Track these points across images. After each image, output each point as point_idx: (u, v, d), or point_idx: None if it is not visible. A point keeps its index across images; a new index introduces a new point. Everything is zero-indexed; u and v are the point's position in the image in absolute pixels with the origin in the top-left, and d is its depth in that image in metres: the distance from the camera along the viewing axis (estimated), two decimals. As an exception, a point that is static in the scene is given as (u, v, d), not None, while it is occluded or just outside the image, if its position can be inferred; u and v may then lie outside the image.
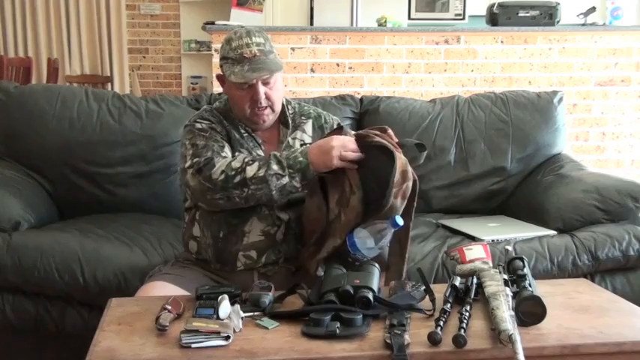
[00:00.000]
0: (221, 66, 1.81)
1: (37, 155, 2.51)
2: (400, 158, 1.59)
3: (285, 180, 1.66)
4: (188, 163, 1.74)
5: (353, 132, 1.73)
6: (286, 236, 1.80)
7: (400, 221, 1.56)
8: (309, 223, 1.74)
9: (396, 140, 1.67)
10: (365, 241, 1.58)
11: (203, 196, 1.72)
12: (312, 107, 1.99)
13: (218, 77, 1.87)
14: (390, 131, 1.69)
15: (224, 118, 1.86)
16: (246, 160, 1.69)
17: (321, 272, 1.63)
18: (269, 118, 1.83)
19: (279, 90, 1.83)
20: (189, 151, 1.77)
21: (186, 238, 1.89)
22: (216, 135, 1.80)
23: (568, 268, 2.15)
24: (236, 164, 1.68)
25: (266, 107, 1.80)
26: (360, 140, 1.66)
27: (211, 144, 1.76)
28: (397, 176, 1.57)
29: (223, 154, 1.75)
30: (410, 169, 1.61)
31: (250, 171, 1.66)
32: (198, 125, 1.82)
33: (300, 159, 1.66)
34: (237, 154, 1.77)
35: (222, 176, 1.67)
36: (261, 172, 1.65)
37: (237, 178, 1.66)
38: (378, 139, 1.64)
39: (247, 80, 1.74)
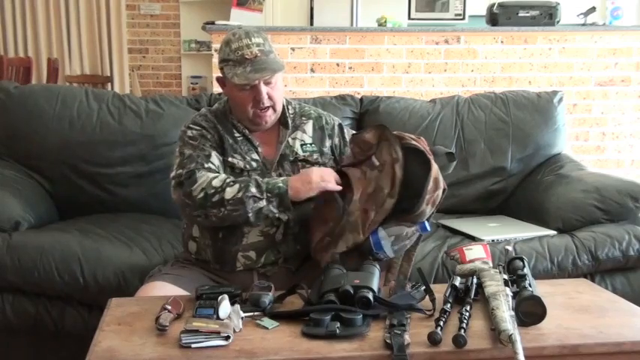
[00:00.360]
0: (221, 68, 1.81)
1: (37, 155, 2.51)
2: (434, 164, 1.62)
3: (263, 204, 1.68)
4: (173, 174, 1.77)
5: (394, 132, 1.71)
6: (285, 236, 1.80)
7: (429, 227, 1.59)
8: (321, 212, 1.73)
9: (429, 147, 1.69)
10: (390, 242, 1.59)
11: (182, 211, 1.76)
12: (312, 108, 1.99)
13: (218, 80, 1.87)
14: (423, 139, 1.71)
15: (220, 122, 1.86)
16: (227, 180, 1.71)
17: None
18: (271, 118, 1.83)
19: (280, 89, 1.83)
20: (176, 161, 1.80)
21: (186, 238, 1.89)
22: (205, 143, 1.80)
23: (568, 268, 2.15)
24: (217, 183, 1.70)
25: (268, 107, 1.80)
26: (396, 138, 1.67)
27: (196, 154, 1.77)
28: (431, 184, 1.60)
29: (208, 165, 1.76)
30: (441, 178, 1.64)
31: (230, 192, 1.68)
32: (188, 132, 1.83)
33: (280, 185, 1.69)
34: (220, 173, 1.76)
35: (202, 194, 1.69)
36: (240, 194, 1.67)
37: (216, 198, 1.68)
38: (414, 142, 1.66)
39: (250, 81, 1.74)
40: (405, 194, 1.61)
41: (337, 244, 1.65)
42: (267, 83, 1.77)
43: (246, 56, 1.74)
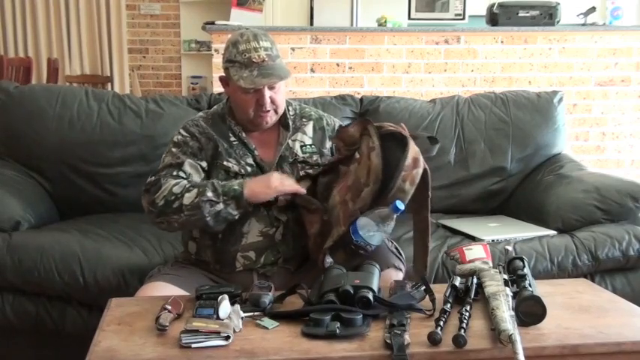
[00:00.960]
0: (226, 68, 1.80)
1: (37, 155, 2.51)
2: (413, 146, 1.63)
3: (220, 207, 1.70)
4: (147, 181, 1.80)
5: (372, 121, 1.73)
6: (285, 237, 1.80)
7: (401, 206, 1.56)
8: (307, 219, 1.75)
9: (409, 133, 1.69)
10: (367, 229, 1.57)
11: (149, 217, 1.79)
12: (312, 109, 1.99)
13: (221, 79, 1.86)
14: (403, 125, 1.72)
15: (214, 126, 1.86)
16: (187, 186, 1.73)
17: (328, 263, 1.63)
18: (272, 119, 1.84)
19: (283, 93, 1.84)
20: (159, 167, 1.83)
21: (186, 238, 1.90)
22: (186, 150, 1.82)
23: (568, 268, 2.15)
24: (177, 189, 1.72)
25: (270, 110, 1.80)
26: (375, 129, 1.68)
27: (170, 162, 1.80)
28: (409, 160, 1.60)
29: (176, 173, 1.78)
30: (422, 159, 1.64)
31: (187, 198, 1.71)
32: (175, 138, 1.86)
33: (235, 187, 1.72)
34: (180, 180, 1.77)
35: (163, 202, 1.72)
36: (196, 199, 1.70)
37: (176, 204, 1.71)
38: (392, 128, 1.68)
39: (256, 86, 1.74)
40: (386, 180, 1.61)
41: (326, 241, 1.66)
42: (271, 87, 1.78)
43: (254, 60, 1.74)
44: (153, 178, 1.79)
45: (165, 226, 1.77)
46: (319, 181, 1.80)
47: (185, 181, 1.76)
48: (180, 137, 1.85)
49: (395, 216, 1.58)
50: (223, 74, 1.84)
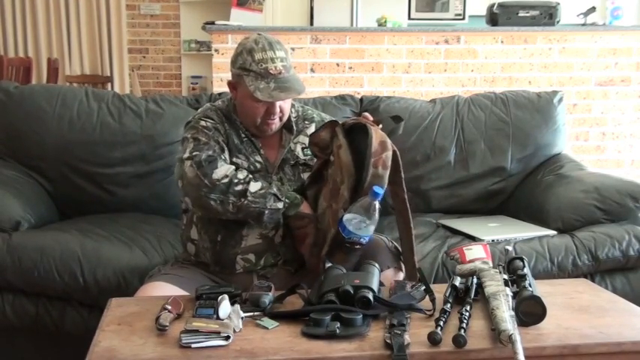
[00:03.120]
0: (239, 75, 1.77)
1: (37, 155, 2.51)
2: (377, 130, 1.63)
3: (280, 205, 1.71)
4: (187, 155, 1.73)
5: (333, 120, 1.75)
6: (285, 239, 1.79)
7: (379, 190, 1.55)
8: (300, 235, 1.76)
9: (372, 119, 1.70)
10: (354, 222, 1.56)
11: (197, 191, 1.70)
12: (315, 111, 1.99)
13: (230, 84, 1.84)
14: (365, 114, 1.73)
15: (226, 120, 1.85)
16: (249, 176, 1.73)
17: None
18: (277, 127, 1.84)
19: (289, 101, 1.84)
20: (191, 144, 1.75)
21: (184, 240, 1.90)
22: (218, 136, 1.80)
23: (568, 268, 2.15)
24: (241, 175, 1.71)
25: (276, 118, 1.81)
26: (341, 127, 1.68)
27: (213, 144, 1.76)
28: (375, 145, 1.60)
29: (223, 157, 1.76)
30: (389, 141, 1.63)
31: (254, 186, 1.71)
32: (202, 123, 1.81)
33: (297, 196, 1.74)
34: (235, 160, 1.77)
35: (226, 180, 1.69)
36: (263, 190, 1.70)
37: (239, 187, 1.69)
38: (351, 121, 1.69)
39: (275, 100, 1.74)
40: (360, 171, 1.60)
41: (323, 248, 1.66)
42: None
43: (270, 71, 1.73)
44: (199, 153, 1.71)
45: (215, 205, 1.69)
46: (307, 194, 1.79)
47: (246, 172, 1.74)
48: (209, 123, 1.80)
49: (377, 203, 1.57)
50: (231, 80, 1.82)
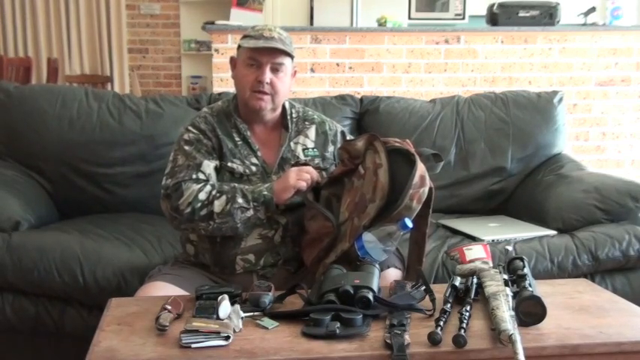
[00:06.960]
0: (238, 47, 1.84)
1: (37, 155, 2.51)
2: (420, 163, 1.63)
3: (250, 213, 1.71)
4: (163, 183, 1.78)
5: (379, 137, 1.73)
6: (284, 239, 1.79)
7: (410, 224, 1.58)
8: (315, 232, 1.73)
9: (415, 149, 1.69)
10: (374, 245, 1.58)
11: (172, 222, 1.77)
12: (316, 113, 1.99)
13: (231, 60, 1.89)
14: (408, 141, 1.72)
15: (220, 123, 1.85)
16: (213, 192, 1.71)
17: None
18: (267, 106, 1.82)
19: (285, 84, 1.83)
20: (168, 167, 1.80)
21: (184, 240, 1.90)
22: (200, 148, 1.80)
23: (568, 268, 2.15)
24: (202, 196, 1.71)
25: (267, 94, 1.80)
26: (383, 145, 1.67)
27: (187, 163, 1.77)
28: (416, 179, 1.60)
29: (196, 176, 1.75)
30: (428, 177, 1.64)
31: (218, 205, 1.70)
32: (185, 136, 1.83)
33: (265, 193, 1.72)
34: (208, 182, 1.75)
35: (189, 209, 1.70)
36: (228, 206, 1.69)
37: (204, 211, 1.70)
38: (399, 144, 1.68)
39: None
40: (393, 196, 1.61)
41: (328, 255, 1.66)
42: (274, 70, 1.79)
43: (264, 34, 1.79)
44: (170, 181, 1.75)
45: (192, 231, 1.78)
46: (321, 193, 1.78)
47: (209, 186, 1.73)
48: (192, 135, 1.82)
49: (401, 233, 1.60)
50: (234, 56, 1.88)
